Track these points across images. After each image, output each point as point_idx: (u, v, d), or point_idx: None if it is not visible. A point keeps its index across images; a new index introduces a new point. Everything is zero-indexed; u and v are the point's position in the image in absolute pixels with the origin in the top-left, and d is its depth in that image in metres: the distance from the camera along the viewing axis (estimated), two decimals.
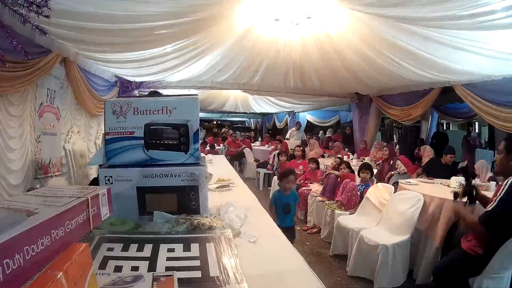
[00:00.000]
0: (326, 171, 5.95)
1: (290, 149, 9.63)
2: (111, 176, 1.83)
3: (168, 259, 1.27)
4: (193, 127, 1.82)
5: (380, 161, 6.69)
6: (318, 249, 4.78)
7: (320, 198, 5.32)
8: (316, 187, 5.88)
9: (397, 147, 9.15)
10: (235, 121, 28.84)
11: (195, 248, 1.38)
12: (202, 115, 23.15)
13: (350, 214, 4.64)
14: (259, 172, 8.99)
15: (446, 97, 7.40)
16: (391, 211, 4.09)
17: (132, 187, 1.81)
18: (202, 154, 5.67)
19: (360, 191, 4.89)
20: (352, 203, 4.77)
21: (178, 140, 1.85)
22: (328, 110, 14.37)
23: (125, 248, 1.26)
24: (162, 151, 1.86)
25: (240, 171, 11.34)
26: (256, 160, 10.45)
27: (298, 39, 5.62)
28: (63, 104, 4.93)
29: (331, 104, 12.05)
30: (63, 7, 3.21)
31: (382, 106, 8.63)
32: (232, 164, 11.02)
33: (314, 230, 5.36)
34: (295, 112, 15.51)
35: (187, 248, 1.37)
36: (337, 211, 4.78)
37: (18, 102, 3.78)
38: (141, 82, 7.50)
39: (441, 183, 4.79)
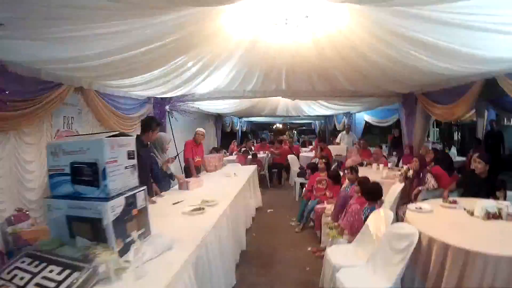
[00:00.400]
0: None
1: (334, 157, 9.68)
2: (50, 205, 2.36)
3: (43, 278, 1.79)
4: (101, 165, 2.25)
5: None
6: (312, 278, 4.55)
7: (328, 220, 5.25)
8: (327, 205, 5.83)
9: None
10: (302, 124, 29.11)
11: (64, 273, 1.81)
12: (267, 119, 23.93)
13: (348, 242, 4.35)
14: (296, 182, 9.16)
15: (500, 90, 6.34)
16: (382, 248, 3.53)
17: (63, 215, 2.30)
18: (237, 165, 8.75)
19: (365, 215, 4.37)
20: (354, 230, 4.39)
21: (91, 177, 2.28)
22: (387, 109, 13.54)
23: (32, 263, 1.87)
24: (82, 186, 2.32)
25: (287, 179, 11.67)
26: (300, 168, 10.55)
27: (310, 41, 5.56)
28: (82, 127, 5.74)
29: (379, 104, 11.61)
30: (57, 54, 3.90)
31: (427, 105, 8.07)
32: (275, 174, 11.58)
33: (322, 253, 4.75)
34: (352, 113, 15.26)
35: (60, 272, 1.82)
36: (338, 236, 4.61)
37: (33, 132, 4.59)
38: (171, 98, 8.11)
39: (464, 208, 4.03)
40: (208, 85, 7.96)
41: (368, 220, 4.12)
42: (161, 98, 8.08)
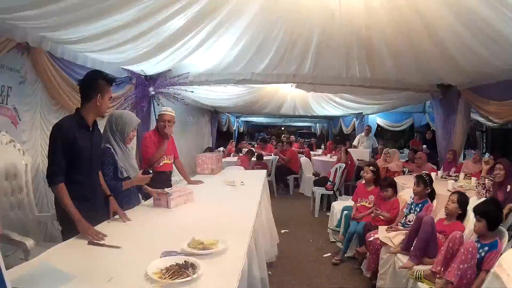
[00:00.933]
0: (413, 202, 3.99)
1: (357, 163, 7.77)
2: None
3: None
4: None
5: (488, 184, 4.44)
6: None
7: (402, 263, 3.21)
8: (390, 233, 3.76)
9: None
10: (301, 127, 27.92)
11: None
12: (265, 120, 22.80)
13: None
14: (314, 192, 7.22)
15: None
16: None
17: None
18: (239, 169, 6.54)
19: (480, 255, 2.64)
20: (464, 282, 2.58)
21: None
22: (400, 112, 13.08)
23: None
24: None
25: (296, 186, 9.84)
26: (315, 174, 8.67)
27: None
28: (25, 103, 3.91)
29: (405, 103, 10.52)
30: None
31: (475, 102, 6.75)
32: (282, 179, 9.84)
33: None
34: (364, 115, 13.92)
35: None
36: None
37: None
38: (157, 77, 6.13)
39: None
40: (206, 60, 6.07)
41: (500, 264, 2.06)
42: (145, 77, 6.10)
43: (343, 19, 4.56)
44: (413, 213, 3.83)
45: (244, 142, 14.91)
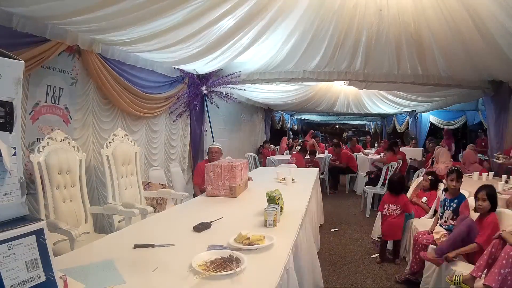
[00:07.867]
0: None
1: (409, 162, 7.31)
2: None
3: None
4: None
5: None
6: None
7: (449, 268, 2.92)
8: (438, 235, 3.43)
9: None
10: (355, 125, 26.59)
11: None
12: (319, 118, 22.21)
13: None
14: (366, 192, 6.83)
15: None
16: None
17: None
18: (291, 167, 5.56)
19: None
20: None
21: None
22: (453, 110, 12.42)
23: None
24: None
25: (352, 181, 9.35)
26: (368, 173, 8.24)
27: None
28: (76, 103, 3.98)
29: (458, 101, 9.88)
30: None
31: None
32: (337, 177, 9.37)
33: None
34: (417, 113, 13.29)
35: None
36: None
37: None
38: (209, 76, 6.09)
39: None
40: (257, 59, 5.94)
41: None
42: (197, 76, 6.10)
43: (391, 14, 4.32)
44: (448, 209, 3.50)
45: (291, 139, 14.57)
